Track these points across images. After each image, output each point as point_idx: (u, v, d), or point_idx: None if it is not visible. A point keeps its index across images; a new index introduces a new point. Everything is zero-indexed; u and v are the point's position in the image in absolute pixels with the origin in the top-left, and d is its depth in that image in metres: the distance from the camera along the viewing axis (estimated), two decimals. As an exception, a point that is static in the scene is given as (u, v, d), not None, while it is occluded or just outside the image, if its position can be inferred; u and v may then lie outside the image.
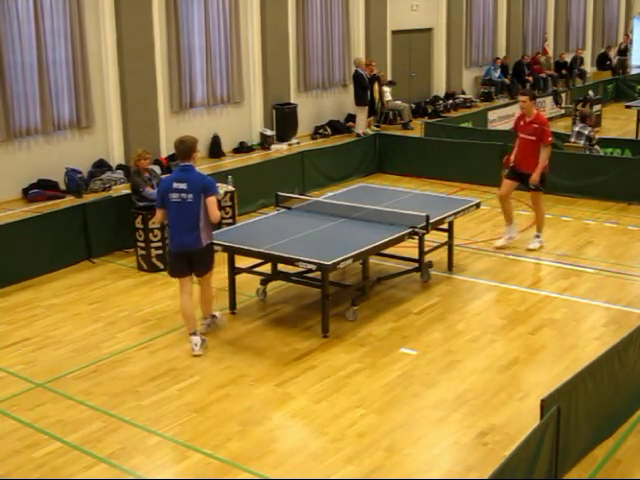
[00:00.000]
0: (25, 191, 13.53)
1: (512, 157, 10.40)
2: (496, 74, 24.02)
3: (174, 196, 7.49)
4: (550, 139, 10.14)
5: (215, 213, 7.48)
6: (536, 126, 10.07)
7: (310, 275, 8.58)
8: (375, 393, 6.85)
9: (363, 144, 15.28)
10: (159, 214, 7.82)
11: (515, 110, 19.83)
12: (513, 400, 6.69)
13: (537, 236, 10.44)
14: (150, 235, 9.87)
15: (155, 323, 8.35)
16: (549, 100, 21.32)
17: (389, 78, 20.16)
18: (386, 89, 19.85)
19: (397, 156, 14.89)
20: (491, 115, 18.88)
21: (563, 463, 5.51)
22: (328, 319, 7.94)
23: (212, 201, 7.46)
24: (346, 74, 19.58)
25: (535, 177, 10.04)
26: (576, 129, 14.32)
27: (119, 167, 14.67)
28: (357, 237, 8.45)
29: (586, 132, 13.94)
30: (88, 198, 12.55)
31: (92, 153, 14.57)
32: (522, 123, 10.24)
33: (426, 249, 9.31)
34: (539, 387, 6.78)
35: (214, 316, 8.12)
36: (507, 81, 23.91)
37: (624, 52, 28.73)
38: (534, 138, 10.07)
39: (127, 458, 5.95)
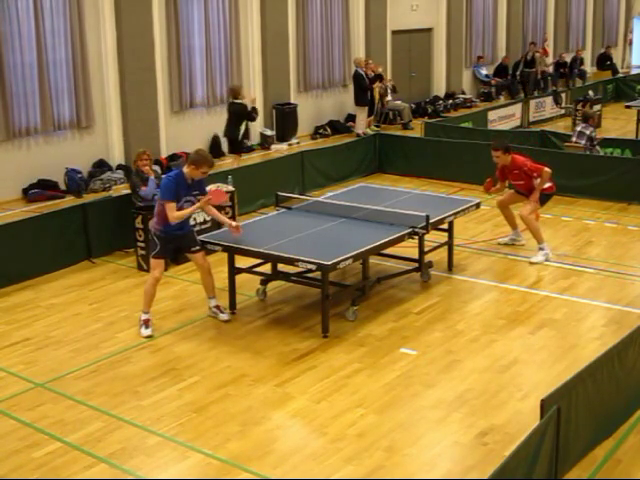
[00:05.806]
0: (25, 191, 13.54)
1: (492, 182, 10.11)
2: (483, 72, 23.97)
3: None
4: (537, 173, 9.79)
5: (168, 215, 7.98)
6: (517, 172, 9.93)
7: (310, 275, 8.58)
8: (375, 393, 6.84)
9: (363, 144, 15.26)
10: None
11: (515, 110, 19.91)
12: (513, 400, 6.69)
13: (541, 248, 10.03)
14: (150, 235, 9.83)
15: (155, 323, 8.30)
16: (549, 100, 21.32)
17: (389, 79, 20.15)
18: (387, 91, 19.86)
19: (397, 156, 14.88)
20: (491, 115, 18.87)
21: (563, 463, 5.51)
22: (328, 319, 7.94)
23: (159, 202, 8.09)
24: (346, 74, 19.58)
25: (535, 196, 9.84)
26: (578, 129, 14.29)
27: (119, 167, 14.68)
28: (357, 237, 8.45)
29: (588, 132, 13.92)
30: (88, 198, 12.55)
31: (92, 153, 14.57)
32: (506, 171, 10.05)
33: (426, 249, 9.31)
34: (539, 387, 6.77)
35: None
36: (493, 82, 23.86)
37: (531, 63, 24.10)
38: (522, 182, 9.99)
39: (127, 458, 5.95)
